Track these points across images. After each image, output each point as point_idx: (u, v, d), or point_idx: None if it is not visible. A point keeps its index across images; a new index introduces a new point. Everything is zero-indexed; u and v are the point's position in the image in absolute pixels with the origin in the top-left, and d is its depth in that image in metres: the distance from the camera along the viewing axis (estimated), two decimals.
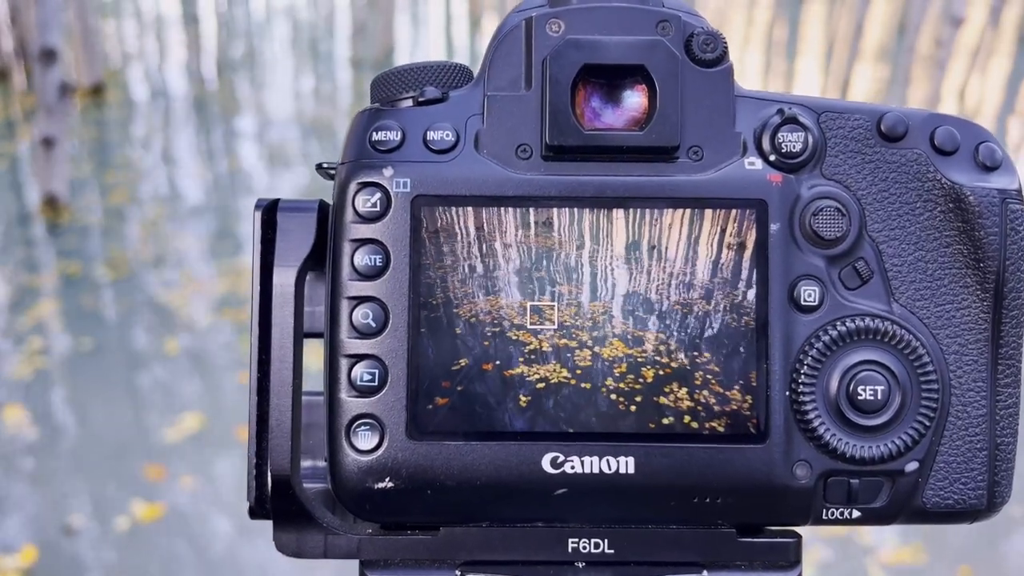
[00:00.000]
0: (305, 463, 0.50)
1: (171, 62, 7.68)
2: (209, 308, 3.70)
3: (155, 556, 2.37)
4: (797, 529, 0.48)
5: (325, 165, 0.50)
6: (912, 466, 0.46)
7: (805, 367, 0.46)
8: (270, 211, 0.47)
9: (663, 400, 0.45)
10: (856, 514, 0.47)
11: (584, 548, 0.47)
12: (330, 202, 0.48)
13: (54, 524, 2.47)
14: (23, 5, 5.79)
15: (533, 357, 0.46)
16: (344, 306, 0.46)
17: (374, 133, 0.47)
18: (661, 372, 0.46)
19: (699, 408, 0.45)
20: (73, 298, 3.75)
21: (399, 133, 0.47)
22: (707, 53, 0.47)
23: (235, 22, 8.70)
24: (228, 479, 2.66)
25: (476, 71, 0.49)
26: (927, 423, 0.46)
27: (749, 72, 6.97)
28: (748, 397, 0.46)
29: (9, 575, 2.28)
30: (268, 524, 0.47)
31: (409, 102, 0.48)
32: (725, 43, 0.47)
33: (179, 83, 7.13)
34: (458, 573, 0.46)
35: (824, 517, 0.47)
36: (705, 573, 0.47)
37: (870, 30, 7.48)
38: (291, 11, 9.53)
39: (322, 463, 0.52)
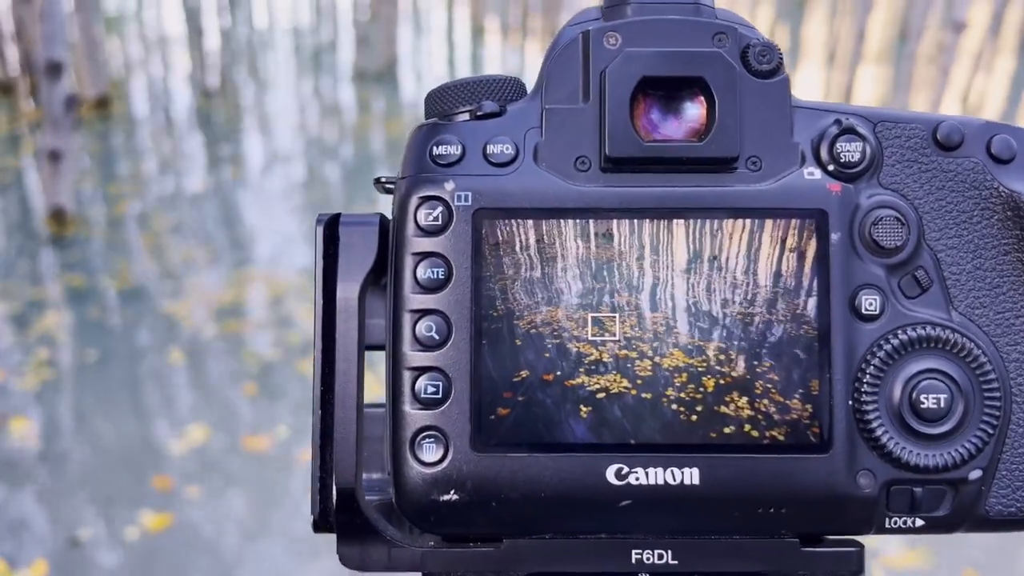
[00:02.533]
0: (363, 475, 0.50)
1: (175, 75, 7.71)
2: (214, 319, 3.70)
3: (164, 566, 2.37)
4: (859, 538, 0.48)
5: (384, 179, 0.50)
6: (976, 474, 0.46)
7: (867, 376, 0.46)
8: (331, 226, 0.48)
9: (724, 409, 0.46)
10: (919, 523, 0.47)
11: (648, 559, 0.47)
12: (390, 216, 0.48)
13: (62, 537, 2.47)
14: (28, 19, 5.81)
15: (594, 368, 0.46)
16: (407, 319, 0.46)
17: (434, 147, 0.47)
18: (722, 382, 0.46)
19: (760, 417, 0.46)
20: (79, 310, 3.75)
21: (459, 147, 0.47)
22: (764, 64, 0.47)
23: (238, 35, 8.73)
24: (236, 492, 2.66)
25: (529, 85, 0.50)
26: (990, 431, 0.46)
27: None
28: (809, 406, 0.46)
29: None
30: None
31: (466, 116, 0.48)
32: (781, 54, 0.47)
33: (183, 96, 7.16)
34: None
35: (887, 526, 0.47)
36: None
37: (872, 35, 7.51)
38: (294, 24, 9.56)
39: (377, 475, 0.52)
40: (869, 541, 0.49)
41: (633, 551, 0.47)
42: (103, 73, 6.47)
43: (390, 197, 0.49)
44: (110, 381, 3.23)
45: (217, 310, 3.77)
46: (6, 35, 6.48)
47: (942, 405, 0.46)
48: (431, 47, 9.13)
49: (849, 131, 0.47)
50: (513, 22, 8.50)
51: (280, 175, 5.50)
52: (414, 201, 0.46)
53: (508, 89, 0.49)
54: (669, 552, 0.47)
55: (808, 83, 6.90)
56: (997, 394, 0.46)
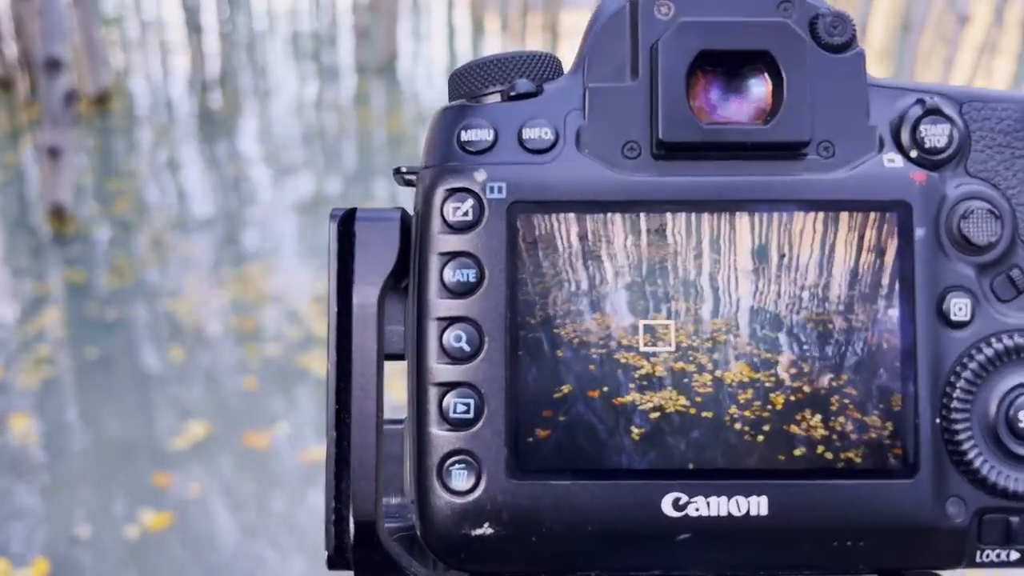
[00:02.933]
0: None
1: (175, 70, 7.64)
2: (215, 316, 3.65)
3: (165, 563, 2.32)
4: (945, 573, 0.42)
5: (404, 170, 0.44)
6: None
7: (958, 390, 0.40)
8: (347, 222, 0.42)
9: (795, 429, 0.40)
10: (1015, 556, 0.41)
11: None
12: (412, 211, 0.43)
13: (63, 534, 2.42)
14: (27, 15, 5.75)
15: (646, 383, 0.40)
16: (433, 328, 0.40)
17: (463, 132, 0.41)
18: (792, 398, 0.40)
19: (835, 437, 0.40)
20: (79, 307, 3.70)
21: (491, 132, 0.41)
22: (835, 37, 0.41)
23: (238, 30, 8.66)
24: (236, 481, 2.61)
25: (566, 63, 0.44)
26: None
27: None
28: (890, 424, 0.40)
29: None
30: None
31: (498, 97, 0.42)
32: (854, 25, 0.42)
33: (182, 91, 7.09)
34: None
35: (978, 559, 0.41)
36: None
37: (874, 29, 7.43)
38: (293, 18, 9.49)
39: (395, 500, 0.46)
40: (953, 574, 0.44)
41: None
42: (102, 69, 6.41)
43: (410, 191, 0.44)
44: (110, 378, 3.18)
45: (217, 308, 3.72)
46: (5, 31, 6.42)
47: None
48: (432, 41, 9.06)
49: (934, 112, 0.42)
50: (513, 18, 8.43)
51: (281, 169, 5.44)
52: (440, 194, 0.41)
53: (544, 66, 0.44)
54: None
55: None
56: None
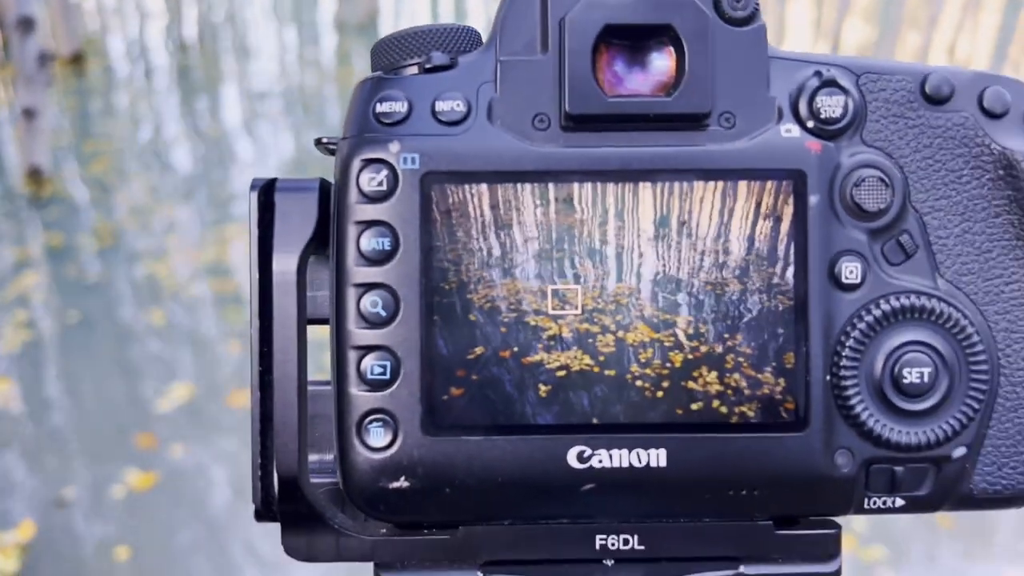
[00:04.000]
0: (312, 457, 0.47)
1: (151, 29, 7.53)
2: (195, 277, 3.66)
3: (150, 523, 2.36)
4: (836, 519, 0.45)
5: (325, 140, 0.46)
6: (960, 452, 0.44)
7: (847, 349, 0.43)
8: (267, 192, 0.44)
9: (692, 385, 0.42)
10: (899, 503, 0.44)
11: (613, 545, 0.44)
12: (331, 180, 0.45)
13: (48, 497, 2.45)
14: None
15: (553, 344, 0.42)
16: (351, 294, 0.42)
17: (378, 104, 0.43)
18: (690, 356, 0.42)
19: (729, 392, 0.42)
20: (59, 270, 3.70)
21: (405, 104, 0.43)
22: (738, 10, 0.43)
23: None
24: (222, 446, 2.64)
25: (486, 35, 0.45)
26: (976, 406, 0.43)
27: None
28: (782, 380, 0.43)
29: (8, 551, 2.27)
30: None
31: (415, 69, 0.44)
32: (757, 0, 0.43)
33: (160, 50, 7.00)
34: (479, 574, 0.44)
35: (866, 507, 0.44)
36: (741, 567, 0.44)
37: None
38: None
39: (329, 456, 0.49)
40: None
41: (597, 537, 0.44)
42: (77, 29, 6.31)
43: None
44: (91, 341, 3.20)
45: (199, 268, 3.73)
46: None
47: (926, 379, 0.43)
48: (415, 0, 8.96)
49: (830, 84, 0.43)
50: None
51: (261, 128, 5.40)
52: (356, 164, 0.42)
53: (461, 39, 0.45)
54: (635, 537, 0.44)
55: (795, 32, 6.81)
56: (984, 367, 0.43)
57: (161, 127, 5.51)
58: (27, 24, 4.23)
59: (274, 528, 0.44)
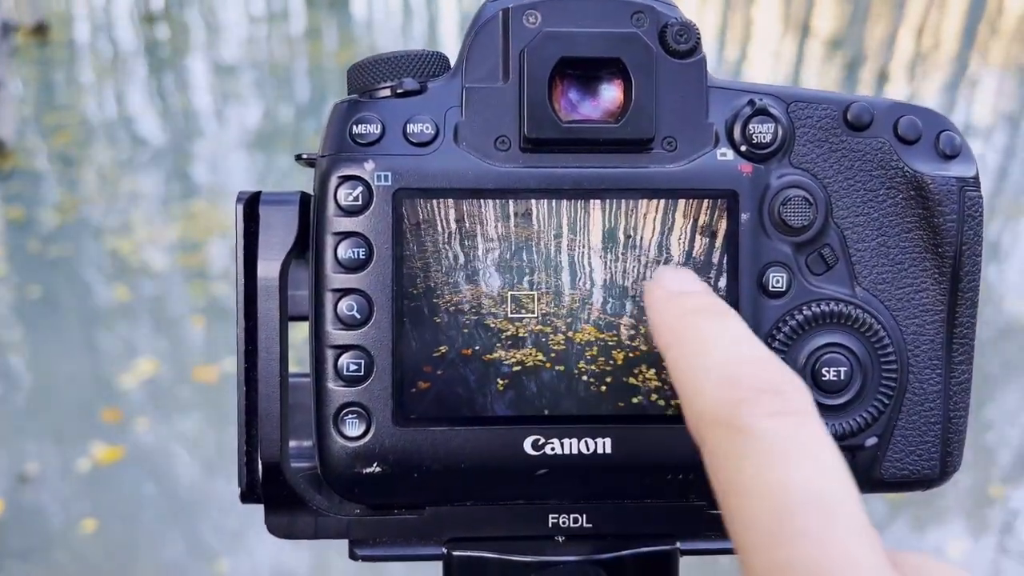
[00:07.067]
0: (292, 443, 0.51)
1: (117, 1, 7.42)
2: (161, 253, 3.66)
3: (118, 496, 2.39)
4: None
5: (305, 156, 0.50)
6: (872, 441, 0.49)
7: (773, 350, 0.48)
8: (252, 204, 0.48)
9: (632, 380, 0.47)
10: None
11: (564, 523, 0.49)
12: (311, 192, 0.49)
13: (14, 472, 2.47)
14: None
15: (511, 343, 0.47)
16: (329, 298, 0.47)
17: (354, 126, 0.47)
18: (631, 354, 0.47)
19: (666, 387, 0.48)
20: (20, 244, 3.68)
21: (379, 126, 0.47)
22: (681, 44, 0.48)
23: None
24: (186, 422, 2.67)
25: (452, 57, 0.50)
26: (887, 401, 0.49)
27: (710, 13, 6.93)
28: None
29: None
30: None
31: (387, 92, 0.48)
32: (698, 33, 0.48)
33: (126, 22, 6.90)
34: (444, 549, 0.49)
35: None
36: (677, 543, 0.49)
37: None
38: None
39: (307, 443, 0.53)
40: None
41: (550, 516, 0.49)
42: None
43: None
44: (54, 317, 3.19)
45: (165, 243, 3.72)
46: None
47: (842, 377, 0.48)
48: None
49: (762, 112, 0.48)
50: None
51: (229, 103, 5.37)
52: (334, 180, 0.47)
53: (431, 65, 0.49)
54: (584, 516, 0.49)
55: (765, 18, 6.87)
56: (894, 366, 0.49)
57: (126, 99, 5.45)
58: None
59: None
